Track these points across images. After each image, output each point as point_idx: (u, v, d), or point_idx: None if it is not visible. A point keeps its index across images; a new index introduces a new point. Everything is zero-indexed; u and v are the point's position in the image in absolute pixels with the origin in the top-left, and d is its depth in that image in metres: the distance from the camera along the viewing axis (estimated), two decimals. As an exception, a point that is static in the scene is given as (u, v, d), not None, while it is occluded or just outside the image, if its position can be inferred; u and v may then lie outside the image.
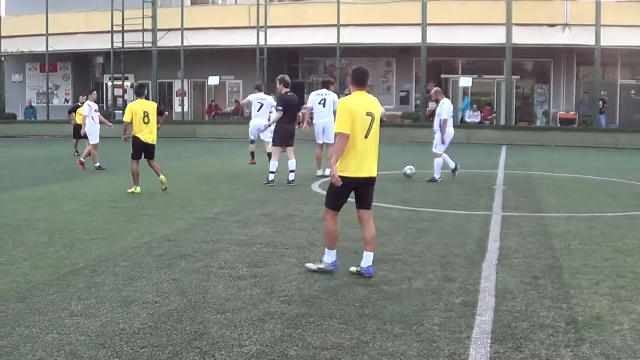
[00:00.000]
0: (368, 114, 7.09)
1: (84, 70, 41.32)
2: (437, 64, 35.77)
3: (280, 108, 14.60)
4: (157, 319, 5.68)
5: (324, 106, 15.81)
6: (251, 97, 18.44)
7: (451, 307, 6.04)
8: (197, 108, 40.28)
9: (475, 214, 11.20)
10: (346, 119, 7.01)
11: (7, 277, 6.95)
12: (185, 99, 38.18)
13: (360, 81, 7.27)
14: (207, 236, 9.14)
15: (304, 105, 16.80)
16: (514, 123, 33.00)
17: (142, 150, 13.59)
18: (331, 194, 7.30)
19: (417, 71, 34.43)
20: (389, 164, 16.35)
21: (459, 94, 35.10)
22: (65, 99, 39.21)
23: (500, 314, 5.85)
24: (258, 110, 18.02)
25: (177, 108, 38.78)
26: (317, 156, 16.22)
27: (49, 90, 38.45)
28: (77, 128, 23.03)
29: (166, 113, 13.96)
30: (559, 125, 32.97)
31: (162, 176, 13.63)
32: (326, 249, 7.29)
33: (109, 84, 38.38)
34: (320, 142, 16.17)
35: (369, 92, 7.33)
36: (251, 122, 18.36)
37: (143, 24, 35.77)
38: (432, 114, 34.53)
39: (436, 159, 15.54)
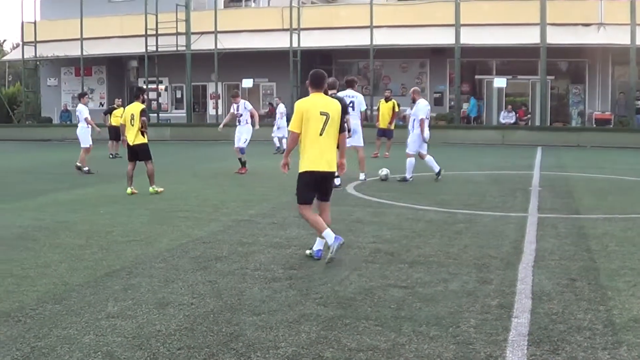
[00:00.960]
0: (322, 113, 7.71)
1: (119, 74, 41.75)
2: (471, 65, 35.63)
3: None
4: (193, 321, 5.70)
5: (352, 109, 14.75)
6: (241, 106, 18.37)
7: (487, 310, 6.00)
8: (231, 111, 40.39)
9: (511, 215, 11.11)
10: (297, 119, 7.74)
11: (45, 279, 7.03)
12: (219, 101, 38.39)
13: (316, 84, 7.94)
14: (242, 238, 9.17)
15: None
16: (549, 124, 32.66)
17: (131, 152, 13.96)
18: (299, 189, 7.89)
19: (451, 72, 34.34)
20: (423, 166, 16.26)
21: (494, 94, 34.92)
22: (100, 103, 39.58)
23: (536, 317, 5.79)
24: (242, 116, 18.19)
25: (211, 111, 39.10)
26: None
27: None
28: (113, 130, 23.39)
29: (143, 118, 13.79)
30: (594, 125, 32.63)
31: (150, 188, 13.79)
32: (322, 234, 7.68)
33: (144, 87, 38.69)
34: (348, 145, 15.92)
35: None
36: (249, 130, 18.12)
37: (177, 27, 36.11)
38: (466, 115, 34.71)
39: (408, 159, 15.57)
